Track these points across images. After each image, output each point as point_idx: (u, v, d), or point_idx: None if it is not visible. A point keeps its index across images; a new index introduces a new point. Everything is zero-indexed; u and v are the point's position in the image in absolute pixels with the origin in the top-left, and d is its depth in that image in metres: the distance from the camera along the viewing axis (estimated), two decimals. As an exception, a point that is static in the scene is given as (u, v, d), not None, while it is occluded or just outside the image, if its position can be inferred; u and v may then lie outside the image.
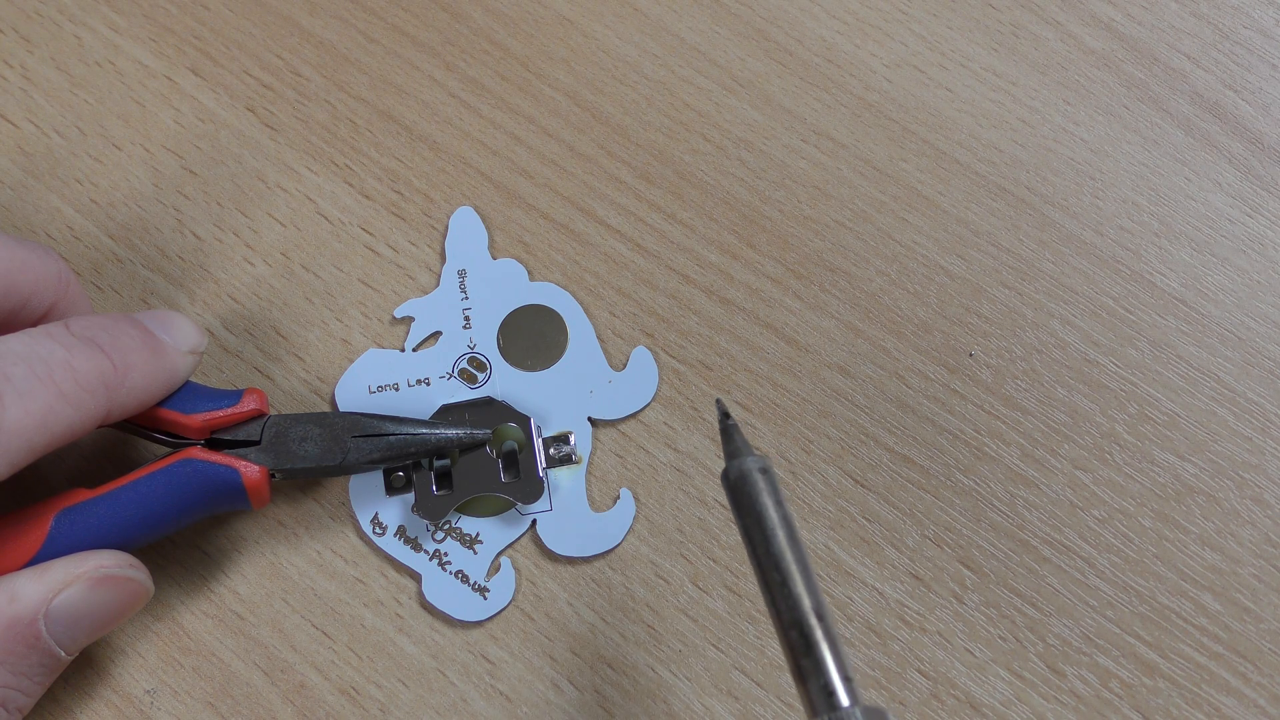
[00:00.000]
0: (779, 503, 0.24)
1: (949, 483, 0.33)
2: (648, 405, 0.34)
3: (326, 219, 0.36)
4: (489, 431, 0.32)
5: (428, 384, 0.34)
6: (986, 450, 0.34)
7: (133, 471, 0.30)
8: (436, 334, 0.35)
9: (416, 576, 0.32)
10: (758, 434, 0.34)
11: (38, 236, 0.36)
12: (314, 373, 0.34)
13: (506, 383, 0.34)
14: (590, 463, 0.33)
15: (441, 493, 0.32)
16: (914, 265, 0.36)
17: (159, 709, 0.31)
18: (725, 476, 0.24)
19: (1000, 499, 0.33)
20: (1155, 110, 0.38)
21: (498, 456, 0.33)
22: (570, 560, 0.32)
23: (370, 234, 0.36)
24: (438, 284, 0.35)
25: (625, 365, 0.34)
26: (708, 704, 0.31)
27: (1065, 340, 0.35)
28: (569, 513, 0.33)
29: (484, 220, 0.36)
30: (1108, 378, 0.34)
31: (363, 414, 0.32)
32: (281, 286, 0.36)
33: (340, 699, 0.31)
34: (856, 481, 0.33)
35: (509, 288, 0.35)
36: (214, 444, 0.31)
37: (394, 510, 0.33)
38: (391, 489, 0.33)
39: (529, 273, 0.36)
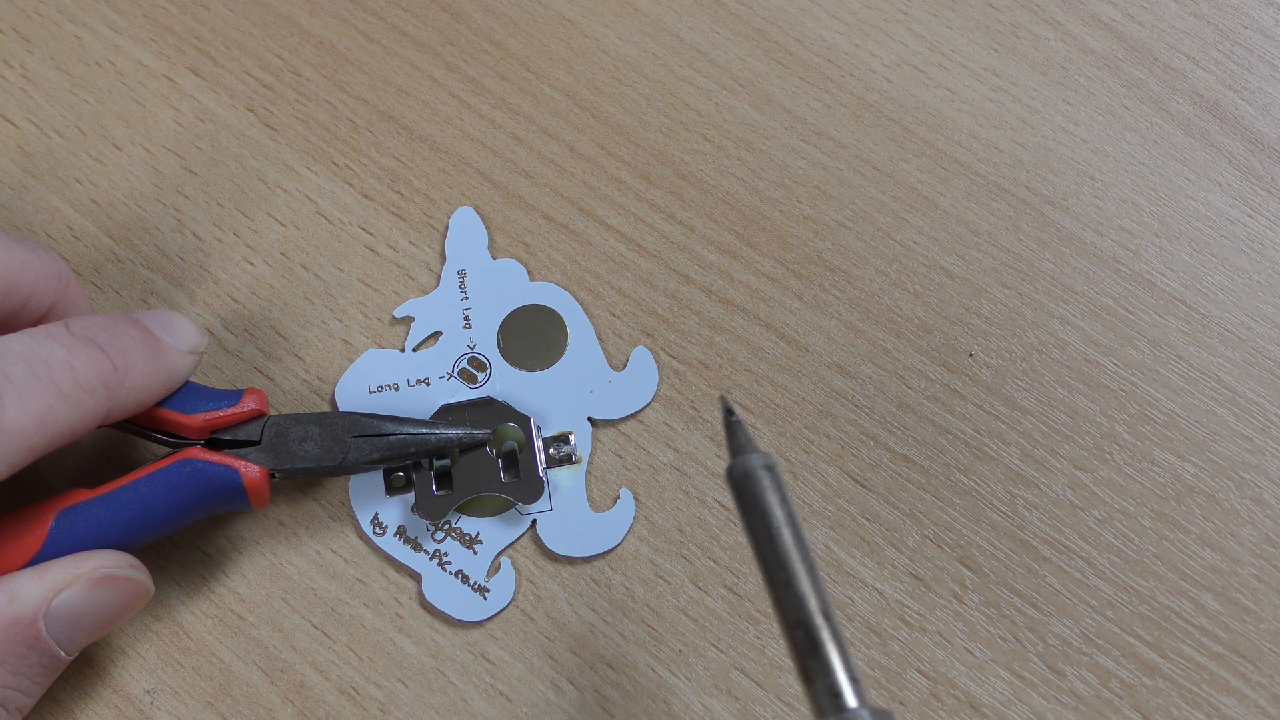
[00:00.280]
0: (784, 500, 0.24)
1: (949, 483, 0.33)
2: (648, 405, 0.34)
3: (326, 219, 0.36)
4: (489, 431, 0.32)
5: (428, 384, 0.34)
6: (986, 450, 0.34)
7: (133, 471, 0.30)
8: (436, 334, 0.35)
9: (416, 576, 0.32)
10: (758, 434, 0.34)
11: (38, 236, 0.36)
12: (314, 373, 0.34)
13: (506, 383, 0.34)
14: (590, 463, 0.33)
15: (441, 493, 0.32)
16: (914, 265, 0.36)
17: (159, 709, 0.31)
18: (729, 474, 0.24)
19: (1000, 499, 0.33)
20: (1155, 110, 0.38)
21: (498, 456, 0.33)
22: (570, 560, 0.32)
23: (370, 234, 0.36)
24: (438, 284, 0.35)
25: (625, 365, 0.34)
26: (708, 704, 0.31)
27: (1065, 340, 0.35)
28: (569, 513, 0.33)
29: (484, 220, 0.36)
30: (1108, 378, 0.34)
31: (363, 414, 0.32)
32: (281, 286, 0.36)
33: (340, 699, 0.31)
34: (856, 481, 0.33)
35: (509, 288, 0.35)
36: (214, 444, 0.31)
37: (394, 510, 0.33)
38: (391, 489, 0.33)
39: (529, 273, 0.36)
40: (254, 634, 0.32)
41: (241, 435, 0.31)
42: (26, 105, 0.38)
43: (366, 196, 0.37)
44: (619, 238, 0.36)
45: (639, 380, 0.34)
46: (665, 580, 0.32)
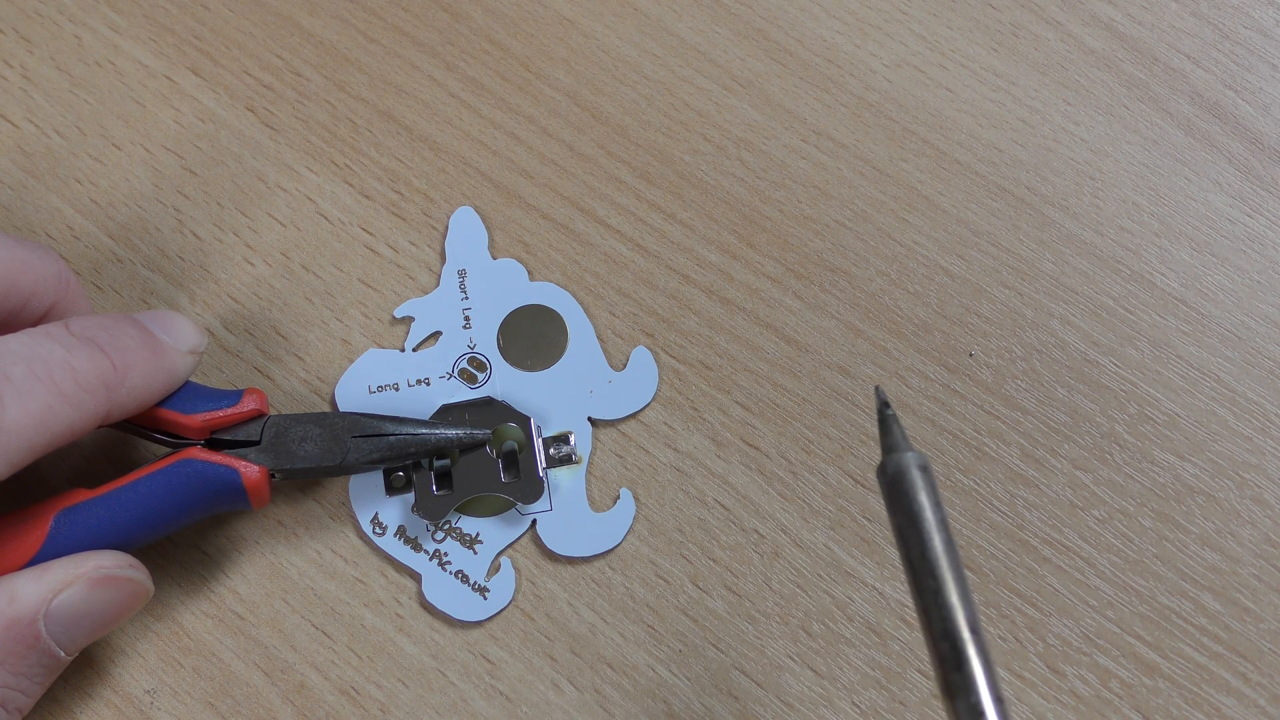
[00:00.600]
0: (937, 504, 0.22)
1: (949, 483, 0.33)
2: (648, 405, 0.34)
3: (326, 219, 0.36)
4: (489, 431, 0.32)
5: (428, 384, 0.34)
6: (986, 450, 0.34)
7: (132, 472, 0.30)
8: (436, 334, 0.35)
9: (416, 576, 0.32)
10: (758, 434, 0.34)
11: (38, 236, 0.36)
12: (314, 373, 0.34)
13: (506, 383, 0.34)
14: (590, 463, 0.33)
15: (441, 493, 0.32)
16: (914, 265, 0.36)
17: (159, 709, 0.31)
18: (882, 471, 0.23)
19: (1000, 499, 0.33)
20: (1155, 110, 0.38)
21: (498, 456, 0.33)
22: (570, 560, 0.32)
23: (370, 234, 0.36)
24: (438, 284, 0.35)
25: (625, 365, 0.34)
26: (708, 704, 0.31)
27: (1065, 340, 0.35)
28: (569, 513, 0.33)
29: (484, 220, 0.36)
30: (1108, 378, 0.34)
31: (363, 414, 0.32)
32: (281, 286, 0.36)
33: (340, 699, 0.31)
34: (856, 481, 0.33)
35: (509, 288, 0.35)
36: (214, 444, 0.31)
37: (394, 510, 0.33)
38: (391, 489, 0.33)
39: (529, 273, 0.36)
40: (254, 634, 0.32)
41: (241, 435, 0.31)
42: (26, 105, 0.38)
43: (366, 196, 0.37)
44: (619, 238, 0.36)
45: (639, 380, 0.34)
46: (665, 580, 0.32)
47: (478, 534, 0.32)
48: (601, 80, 0.38)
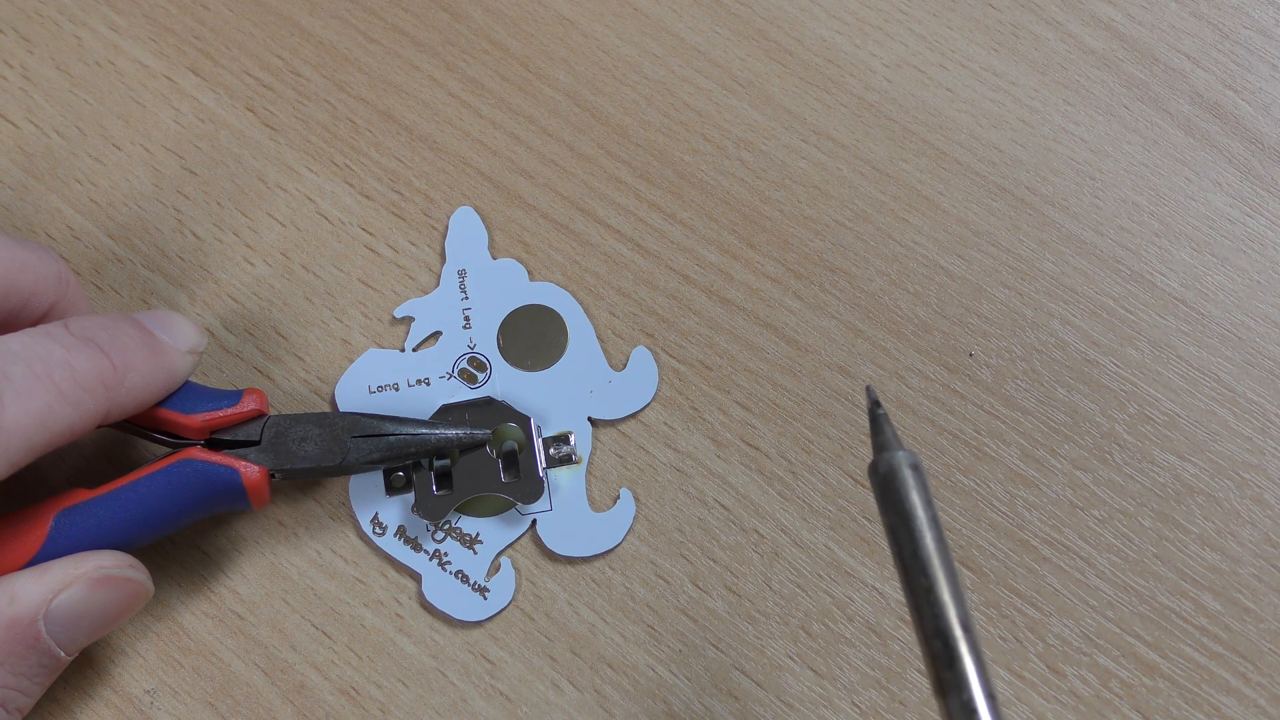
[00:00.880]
0: (928, 502, 0.22)
1: (949, 483, 0.33)
2: (648, 405, 0.34)
3: (326, 219, 0.36)
4: (489, 431, 0.32)
5: (428, 384, 0.34)
6: (986, 450, 0.34)
7: (132, 472, 0.30)
8: (436, 334, 0.35)
9: (416, 576, 0.32)
10: (758, 434, 0.34)
11: (38, 236, 0.36)
12: (314, 373, 0.34)
13: (506, 383, 0.34)
14: (590, 463, 0.33)
15: (441, 493, 0.32)
16: (914, 265, 0.36)
17: (159, 709, 0.31)
18: (873, 470, 0.23)
19: (1000, 499, 0.33)
20: (1155, 110, 0.38)
21: (498, 456, 0.33)
22: (570, 560, 0.32)
23: (370, 234, 0.36)
24: (438, 284, 0.35)
25: (625, 365, 0.34)
26: (708, 704, 0.31)
27: (1065, 340, 0.35)
28: (569, 513, 0.33)
29: (484, 220, 0.36)
30: (1108, 378, 0.34)
31: (362, 414, 0.32)
32: (281, 286, 0.36)
33: (340, 699, 0.31)
34: (856, 481, 0.33)
35: (509, 288, 0.35)
36: (214, 444, 0.31)
37: (394, 510, 0.33)
38: (391, 489, 0.33)
39: (529, 273, 0.36)
40: (254, 634, 0.32)
41: (241, 435, 0.31)
42: (26, 105, 0.38)
43: (366, 196, 0.37)
44: (619, 238, 0.36)
45: (639, 380, 0.34)
46: (665, 580, 0.32)
47: (478, 534, 0.32)
48: (601, 80, 0.38)
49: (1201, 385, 0.34)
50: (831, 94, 0.38)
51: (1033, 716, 0.31)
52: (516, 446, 0.33)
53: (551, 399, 0.34)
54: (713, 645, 0.32)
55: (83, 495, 0.29)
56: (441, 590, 0.32)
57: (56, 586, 0.27)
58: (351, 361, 0.34)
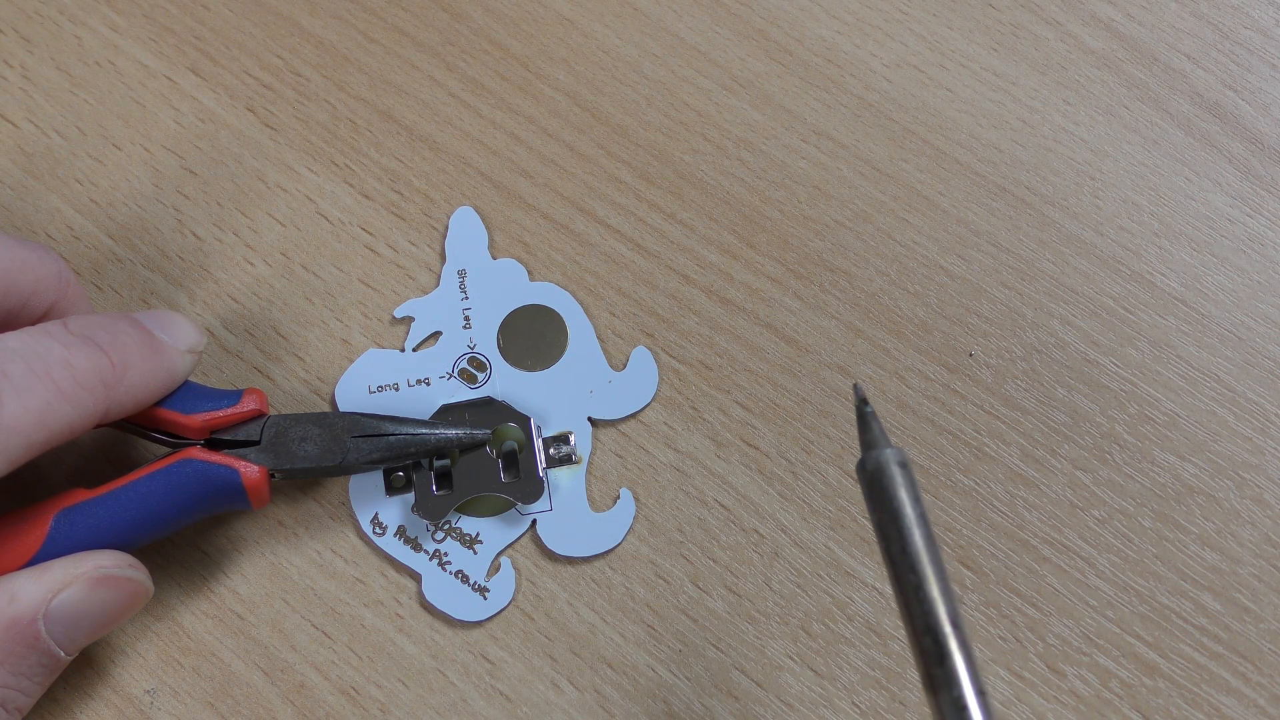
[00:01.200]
0: (917, 499, 0.23)
1: (949, 483, 0.33)
2: (648, 405, 0.34)
3: (326, 219, 0.36)
4: (489, 431, 0.32)
5: (428, 384, 0.34)
6: (986, 450, 0.34)
7: (132, 472, 0.30)
8: (436, 334, 0.35)
9: (416, 576, 0.32)
10: (758, 434, 0.34)
11: (38, 236, 0.36)
12: (314, 373, 0.34)
13: (506, 383, 0.34)
14: (590, 463, 0.33)
15: (441, 493, 0.32)
16: (914, 265, 0.36)
17: (159, 709, 0.31)
18: (861, 468, 0.23)
19: (1000, 499, 0.33)
20: (1155, 110, 0.38)
21: (498, 456, 0.33)
22: (570, 560, 0.32)
23: (370, 234, 0.36)
24: (438, 284, 0.35)
25: (625, 365, 0.34)
26: (708, 704, 0.31)
27: (1065, 340, 0.35)
28: (569, 513, 0.33)
29: (484, 220, 0.36)
30: (1108, 378, 0.34)
31: (362, 414, 0.32)
32: (281, 286, 0.36)
33: (340, 699, 0.31)
34: (856, 481, 0.33)
35: (509, 288, 0.35)
36: (214, 444, 0.31)
37: (394, 510, 0.33)
38: (391, 489, 0.33)
39: (529, 273, 0.36)
40: (254, 634, 0.32)
41: (241, 435, 0.31)
42: (26, 105, 0.38)
43: (366, 196, 0.37)
44: (619, 238, 0.36)
45: (639, 380, 0.34)
46: (665, 580, 0.32)
47: (478, 534, 0.32)
48: (601, 80, 0.38)
49: (1201, 385, 0.34)
50: (831, 94, 0.38)
51: (1033, 716, 0.31)
52: (516, 446, 0.33)
53: (551, 399, 0.34)
54: (713, 645, 0.32)
55: (82, 495, 0.29)
56: (441, 590, 0.32)
57: (56, 586, 0.27)
58: (351, 361, 0.34)
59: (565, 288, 0.35)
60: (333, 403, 0.34)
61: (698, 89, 0.38)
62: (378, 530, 0.32)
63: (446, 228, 0.36)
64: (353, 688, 0.31)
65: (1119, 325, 0.35)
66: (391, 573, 0.32)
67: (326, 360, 0.35)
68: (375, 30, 0.39)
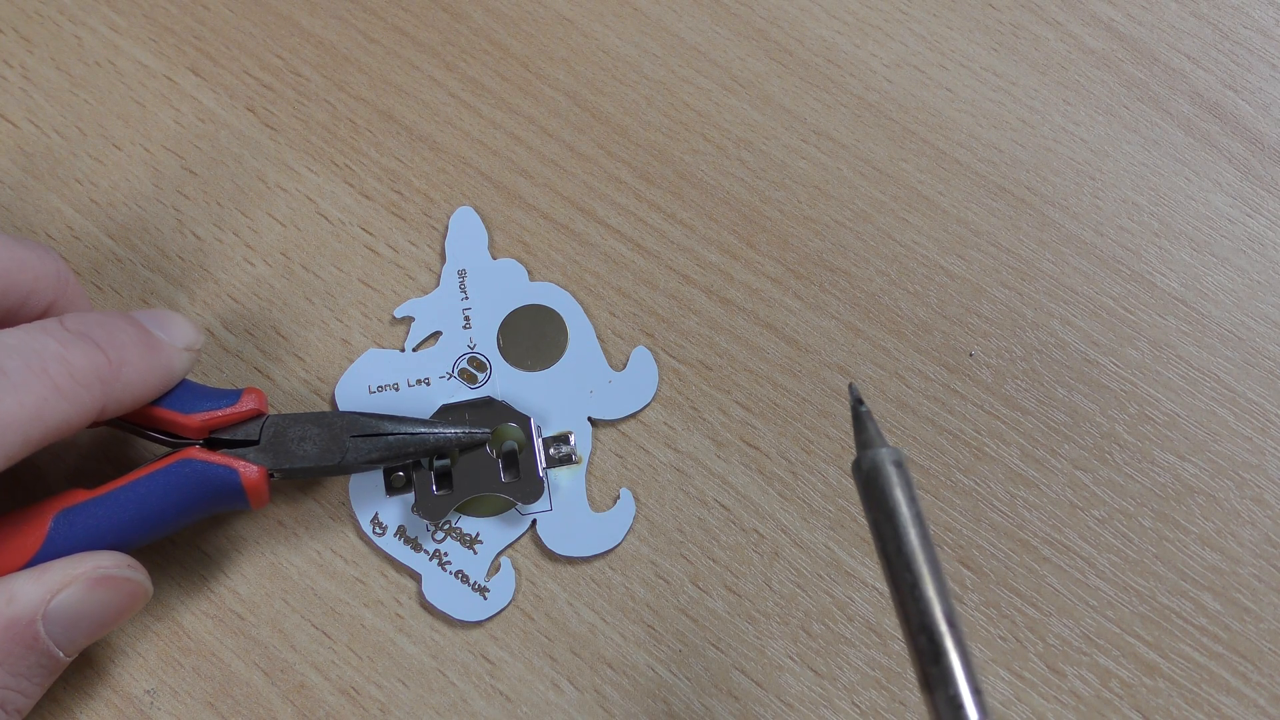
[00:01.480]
0: (912, 499, 0.23)
1: (949, 483, 0.33)
2: (648, 405, 0.34)
3: (326, 219, 0.36)
4: (488, 431, 0.32)
5: (428, 384, 0.34)
6: (986, 450, 0.34)
7: (131, 472, 0.30)
8: (436, 334, 0.35)
9: (416, 576, 0.32)
10: (758, 434, 0.34)
11: (38, 236, 0.36)
12: (314, 373, 0.34)
13: (506, 383, 0.34)
14: (590, 463, 0.33)
15: (441, 493, 0.32)
16: (914, 265, 0.36)
17: (159, 709, 0.31)
18: (857, 467, 0.23)
19: (1000, 499, 0.33)
20: (1155, 110, 0.38)
21: (498, 456, 0.33)
22: (570, 560, 0.32)
23: (370, 234, 0.36)
24: (438, 284, 0.35)
25: (625, 365, 0.34)
26: (708, 704, 0.31)
27: (1065, 340, 0.35)
28: (569, 513, 0.33)
29: (484, 220, 0.36)
30: (1108, 378, 0.34)
31: (361, 413, 0.31)
32: (281, 286, 0.36)
33: (340, 699, 0.31)
34: (854, 483, 0.33)
35: (509, 288, 0.35)
36: (212, 444, 0.31)
37: (394, 510, 0.33)
38: (391, 489, 0.33)
39: (529, 273, 0.36)
40: (254, 634, 0.32)
41: (240, 435, 0.31)
42: (26, 105, 0.38)
43: (366, 196, 0.37)
44: (619, 238, 0.36)
45: (639, 380, 0.34)
46: (665, 580, 0.32)
47: (478, 534, 0.32)
48: (601, 80, 0.38)
49: (1201, 385, 0.34)
50: (831, 94, 0.38)
51: (1033, 716, 0.31)
52: (516, 446, 0.33)
53: (551, 399, 0.34)
54: (713, 645, 0.32)
55: (81, 496, 0.29)
56: (441, 590, 0.32)
57: (55, 587, 0.27)
58: (351, 361, 0.34)
59: (565, 288, 0.35)
60: (333, 403, 0.34)
61: (698, 89, 0.38)
62: (378, 530, 0.32)
63: (446, 228, 0.36)
64: (353, 688, 0.31)
65: (1119, 325, 0.35)
66: (391, 573, 0.32)
67: (326, 360, 0.35)
68: (375, 30, 0.39)
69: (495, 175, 0.37)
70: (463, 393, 0.34)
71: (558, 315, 0.35)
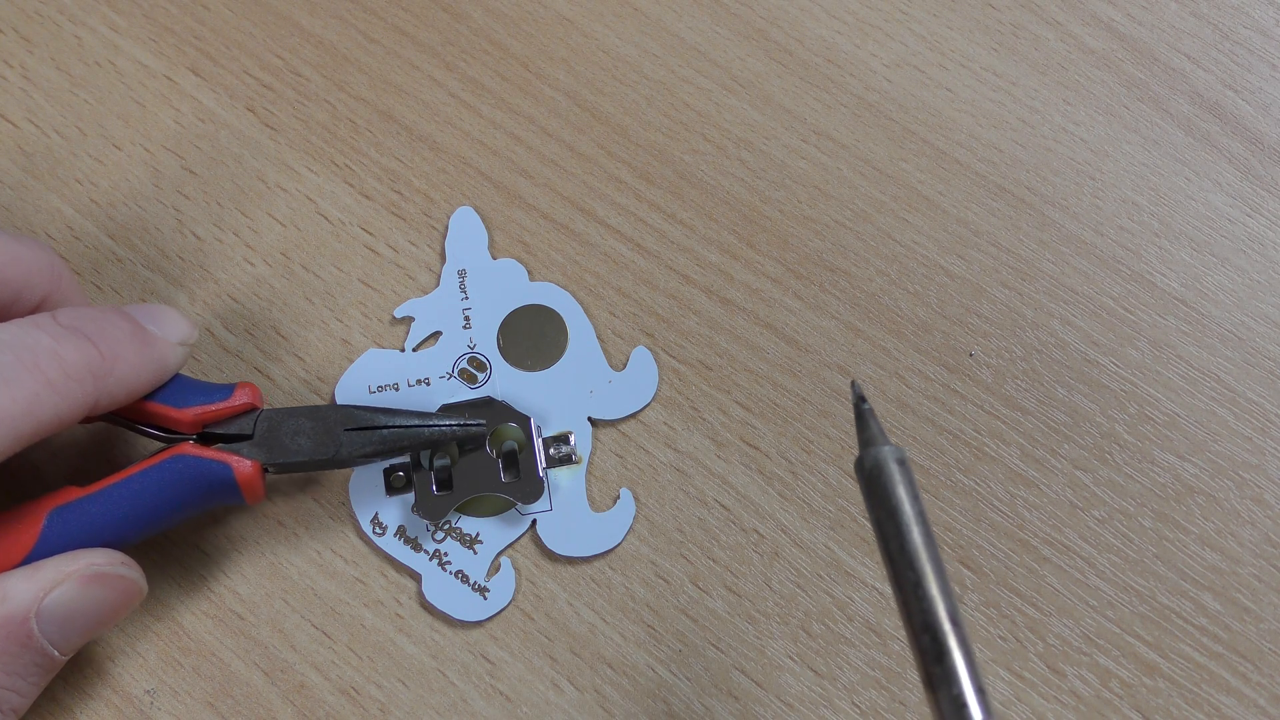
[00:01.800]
0: (915, 497, 0.23)
1: (949, 483, 0.33)
2: (648, 405, 0.34)
3: (326, 219, 0.36)
4: (483, 422, 0.32)
5: (428, 384, 0.34)
6: (986, 450, 0.34)
7: (125, 469, 0.30)
8: (436, 334, 0.35)
9: (416, 576, 0.32)
10: (758, 434, 0.34)
11: (38, 236, 0.36)
12: (314, 373, 0.34)
13: (506, 383, 0.34)
14: (590, 463, 0.33)
15: (441, 493, 0.32)
16: (914, 265, 0.36)
17: (159, 709, 0.31)
18: (859, 465, 0.23)
19: (1000, 499, 0.33)
20: (1155, 110, 0.38)
21: (498, 456, 0.33)
22: (570, 560, 0.32)
23: (370, 234, 0.36)
24: (438, 284, 0.35)
25: (625, 365, 0.34)
26: (708, 704, 0.31)
27: (1065, 340, 0.35)
28: (569, 513, 0.33)
29: (484, 220, 0.36)
30: (1108, 378, 0.34)
31: (356, 407, 0.31)
32: (281, 286, 0.36)
33: (340, 699, 0.31)
34: (856, 481, 0.33)
35: (509, 288, 0.35)
36: (206, 439, 0.30)
37: (394, 510, 0.33)
38: (391, 489, 0.33)
39: (529, 273, 0.36)
40: (254, 634, 0.32)
41: (234, 429, 0.31)
42: (26, 105, 0.38)
43: (366, 196, 0.37)
44: (619, 238, 0.36)
45: (639, 380, 0.34)
46: (665, 580, 0.32)
47: (478, 534, 0.32)
48: (601, 80, 0.38)
49: (1201, 385, 0.34)
50: (831, 94, 0.38)
51: (1033, 716, 0.31)
52: (516, 446, 0.33)
53: (551, 399, 0.34)
54: (713, 645, 0.32)
55: (75, 493, 0.29)
56: (441, 590, 0.32)
57: (48, 585, 0.27)
58: (351, 361, 0.34)
59: (565, 288, 0.35)
60: (333, 402, 0.34)
61: (698, 89, 0.38)
62: (378, 530, 0.32)
63: (446, 228, 0.36)
64: (353, 688, 0.31)
65: (1119, 325, 0.35)
66: (391, 573, 0.32)
67: (326, 360, 0.35)
68: (375, 30, 0.39)
69: (495, 175, 0.37)
70: (463, 393, 0.34)
71: (558, 315, 0.35)
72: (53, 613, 0.27)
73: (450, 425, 0.32)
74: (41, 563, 0.28)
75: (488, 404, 0.34)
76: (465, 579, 0.32)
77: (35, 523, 0.28)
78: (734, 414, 0.34)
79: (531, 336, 0.35)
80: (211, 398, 0.30)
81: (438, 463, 0.32)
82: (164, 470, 0.29)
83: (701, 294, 0.35)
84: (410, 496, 0.32)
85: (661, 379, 0.34)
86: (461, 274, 0.35)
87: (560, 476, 0.33)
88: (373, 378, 0.34)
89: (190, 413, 0.30)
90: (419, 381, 0.34)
